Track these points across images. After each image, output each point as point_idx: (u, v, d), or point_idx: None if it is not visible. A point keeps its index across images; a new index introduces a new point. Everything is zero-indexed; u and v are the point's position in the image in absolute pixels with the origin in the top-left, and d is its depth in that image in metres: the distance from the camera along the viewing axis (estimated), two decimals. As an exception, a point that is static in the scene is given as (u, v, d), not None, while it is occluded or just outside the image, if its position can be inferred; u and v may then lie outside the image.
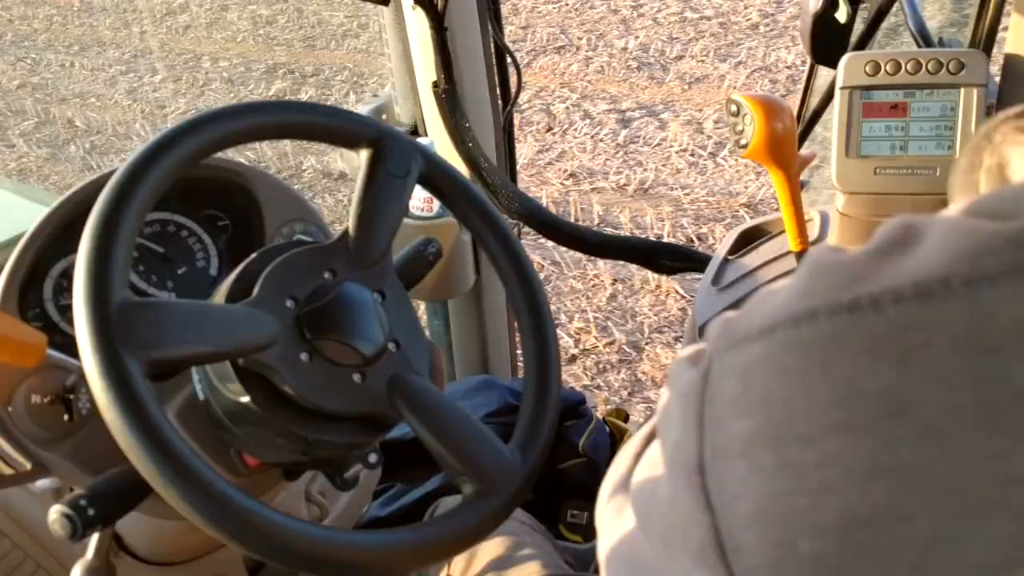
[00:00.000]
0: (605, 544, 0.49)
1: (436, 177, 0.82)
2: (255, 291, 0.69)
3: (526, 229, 1.54)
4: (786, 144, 1.11)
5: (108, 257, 0.60)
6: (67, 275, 0.87)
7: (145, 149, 0.66)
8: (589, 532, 1.55)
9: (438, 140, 1.49)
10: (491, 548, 0.95)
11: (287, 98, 3.86)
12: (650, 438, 0.53)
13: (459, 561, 0.96)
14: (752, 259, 1.34)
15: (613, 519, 0.49)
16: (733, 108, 1.12)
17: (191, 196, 0.95)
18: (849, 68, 1.20)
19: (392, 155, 0.77)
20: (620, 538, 0.46)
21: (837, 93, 1.23)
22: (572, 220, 2.91)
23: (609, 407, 2.19)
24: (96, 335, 0.58)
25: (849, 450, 0.29)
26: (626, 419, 1.75)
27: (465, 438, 0.70)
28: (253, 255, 0.74)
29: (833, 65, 1.46)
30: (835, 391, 0.30)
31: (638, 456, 0.50)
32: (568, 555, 1.05)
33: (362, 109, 1.71)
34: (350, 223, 0.75)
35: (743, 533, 0.32)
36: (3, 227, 1.28)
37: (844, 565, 0.29)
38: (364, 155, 0.77)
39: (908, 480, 0.28)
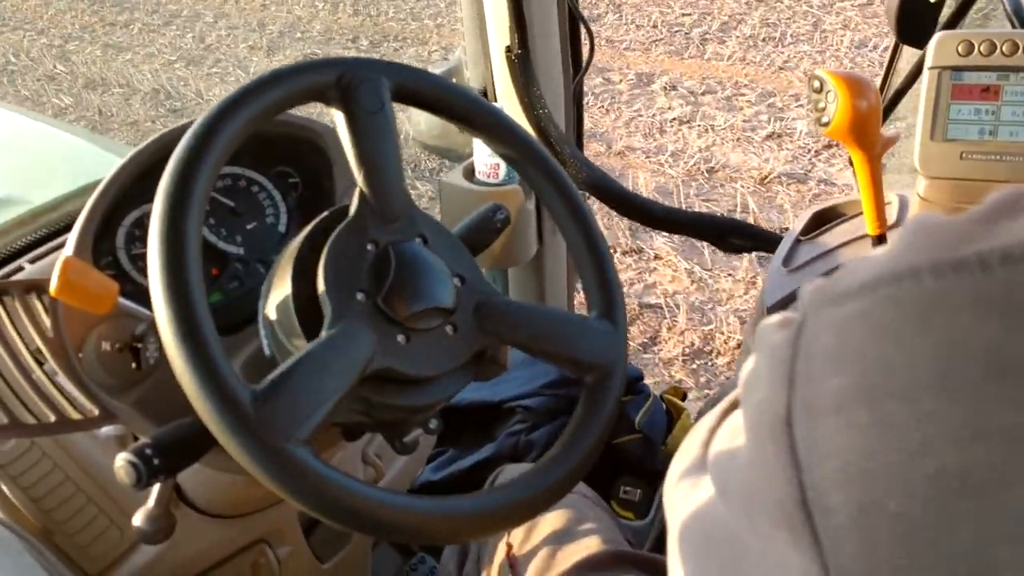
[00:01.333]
0: (676, 523, 0.47)
1: (414, 89, 0.75)
2: (328, 307, 0.67)
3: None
4: (869, 124, 1.07)
5: (213, 359, 0.59)
6: (140, 224, 0.88)
7: (220, 105, 0.66)
8: (641, 509, 1.54)
9: (508, 105, 1.47)
10: (551, 520, 0.94)
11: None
12: (726, 413, 0.51)
13: (519, 532, 0.95)
14: (826, 240, 1.30)
15: (684, 498, 0.48)
16: (816, 84, 1.08)
17: (264, 152, 0.95)
18: (940, 47, 1.15)
19: (361, 90, 0.71)
20: (692, 514, 0.45)
21: (926, 73, 1.18)
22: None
23: (667, 385, 2.17)
24: (252, 445, 0.58)
25: (948, 409, 0.28)
26: (684, 397, 1.73)
27: (562, 334, 0.74)
28: (313, 223, 0.73)
29: (919, 45, 1.41)
30: (936, 349, 0.29)
31: (713, 431, 0.49)
32: (624, 532, 1.04)
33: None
34: (360, 183, 0.72)
35: (831, 491, 0.31)
36: (77, 175, 1.31)
37: (935, 527, 0.28)
38: (336, 105, 0.72)
39: (1009, 443, 0.27)
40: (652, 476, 1.57)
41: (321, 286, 0.68)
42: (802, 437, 0.32)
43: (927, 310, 0.30)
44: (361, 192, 0.72)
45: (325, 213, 0.74)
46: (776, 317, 0.39)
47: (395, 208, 0.73)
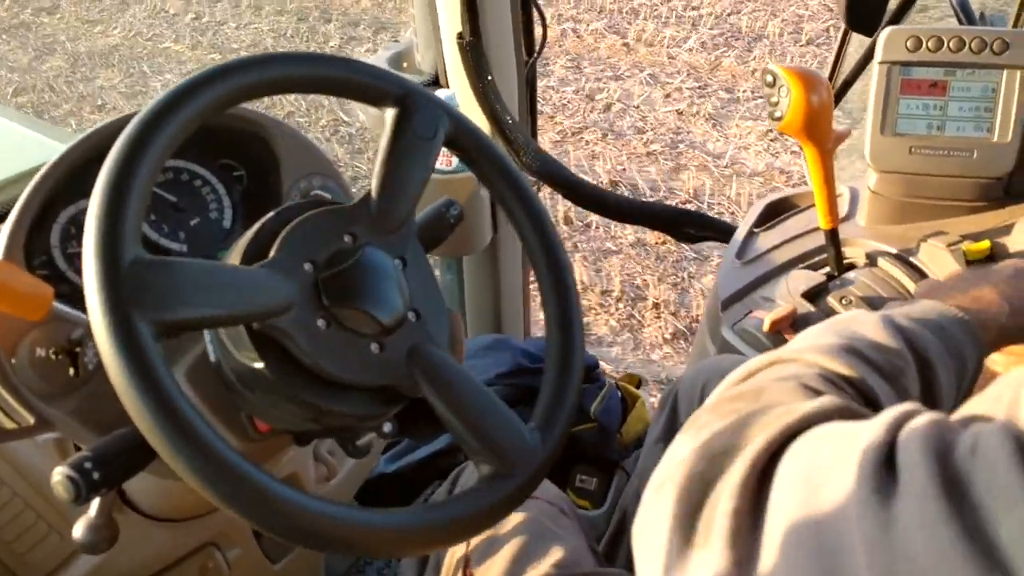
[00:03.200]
0: None
1: (463, 139, 0.78)
2: (272, 252, 0.66)
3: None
4: (822, 118, 1.07)
5: (121, 211, 0.58)
6: (76, 222, 0.85)
7: (166, 96, 0.63)
8: (597, 498, 1.54)
9: (460, 93, 1.45)
10: (510, 535, 0.93)
11: (314, 51, 3.81)
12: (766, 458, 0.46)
13: (478, 542, 0.94)
14: (778, 233, 1.31)
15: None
16: (769, 79, 1.08)
17: (207, 145, 0.92)
18: (889, 42, 1.16)
19: (419, 115, 0.73)
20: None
21: (876, 67, 1.19)
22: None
23: (622, 372, 2.18)
24: (105, 293, 0.55)
25: None
26: (639, 385, 1.74)
27: (484, 416, 0.67)
28: (271, 213, 0.71)
29: (867, 33, 1.41)
30: None
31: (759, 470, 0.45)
32: (585, 527, 1.03)
33: (381, 55, 1.67)
34: (373, 185, 0.72)
35: None
36: (14, 162, 1.26)
37: None
38: (390, 114, 0.73)
39: None
40: (608, 464, 1.58)
41: (277, 240, 0.67)
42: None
43: None
44: (368, 192, 0.72)
45: (271, 214, 0.72)
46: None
47: (394, 224, 0.72)
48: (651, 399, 2.10)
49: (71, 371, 0.77)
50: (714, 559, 0.41)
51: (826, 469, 0.39)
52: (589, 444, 1.57)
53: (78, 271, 0.84)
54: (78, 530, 0.74)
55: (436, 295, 0.75)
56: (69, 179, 0.83)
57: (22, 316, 0.69)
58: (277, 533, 0.58)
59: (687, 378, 1.13)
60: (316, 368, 0.65)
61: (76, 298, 0.75)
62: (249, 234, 0.70)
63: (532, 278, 1.93)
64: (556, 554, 0.89)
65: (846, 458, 0.38)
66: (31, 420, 0.76)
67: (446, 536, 0.65)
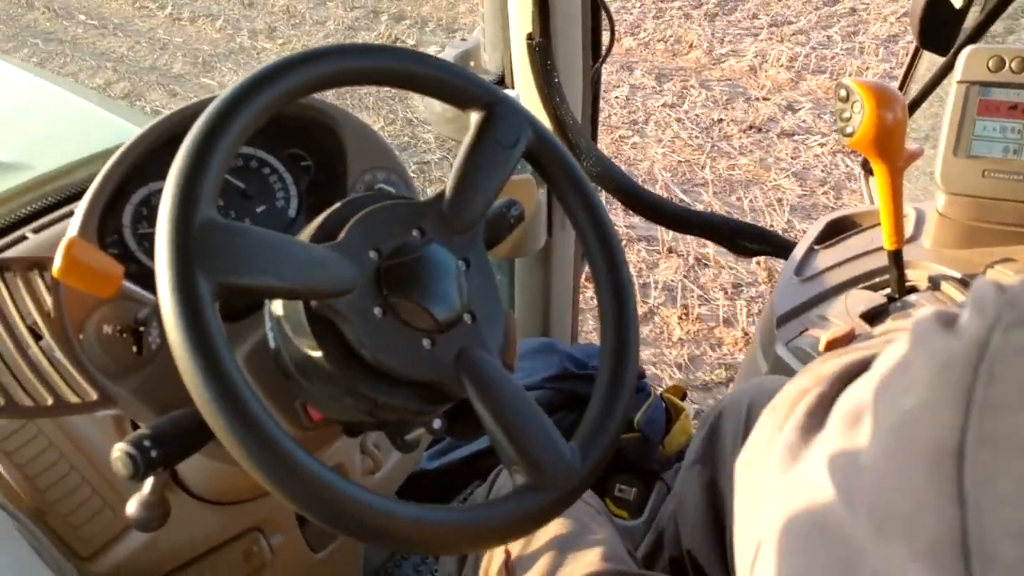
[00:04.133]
0: (770, 508, 0.43)
1: (543, 153, 0.78)
2: (341, 235, 0.67)
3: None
4: (895, 136, 1.05)
5: (200, 175, 0.59)
6: (147, 203, 0.86)
7: (251, 78, 0.64)
8: (635, 508, 1.53)
9: (525, 93, 1.45)
10: (552, 529, 0.92)
11: (407, 46, 3.84)
12: (844, 380, 0.45)
13: (517, 542, 0.93)
14: (839, 251, 1.28)
15: (778, 484, 0.43)
16: (843, 93, 1.06)
17: (277, 133, 0.93)
18: (970, 61, 1.13)
19: (503, 123, 0.73)
20: (796, 503, 0.40)
21: (953, 87, 1.16)
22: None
23: (667, 384, 2.16)
24: (173, 248, 0.56)
25: None
26: (683, 396, 1.72)
27: (525, 427, 0.67)
28: (338, 204, 0.71)
29: (941, 52, 1.39)
30: None
31: (825, 397, 0.44)
32: (623, 534, 1.02)
33: (449, 52, 1.67)
34: (449, 184, 0.72)
35: (1003, 542, 0.27)
36: (87, 142, 1.29)
37: None
38: (475, 118, 0.74)
39: None
40: (648, 475, 1.56)
41: (347, 226, 0.67)
42: (974, 474, 0.29)
43: None
44: (443, 191, 0.72)
45: (338, 204, 0.72)
46: (931, 311, 0.34)
47: (463, 225, 0.72)
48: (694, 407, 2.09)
49: (135, 349, 0.78)
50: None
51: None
52: (630, 454, 1.56)
53: (147, 252, 0.85)
54: (131, 507, 0.75)
55: (495, 300, 0.75)
56: (144, 161, 0.84)
57: (93, 293, 0.70)
58: (322, 519, 0.58)
59: (733, 397, 1.10)
60: (366, 354, 0.66)
61: (144, 278, 0.76)
62: (321, 218, 0.70)
63: (583, 283, 1.92)
64: (597, 550, 0.88)
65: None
66: (94, 396, 0.77)
67: (478, 539, 0.65)
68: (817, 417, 0.43)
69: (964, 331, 0.31)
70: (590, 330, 2.37)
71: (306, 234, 0.70)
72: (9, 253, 0.97)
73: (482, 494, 1.10)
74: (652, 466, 1.57)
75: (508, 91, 1.46)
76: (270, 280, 0.59)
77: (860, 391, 0.38)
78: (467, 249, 0.73)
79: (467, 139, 0.73)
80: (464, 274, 0.72)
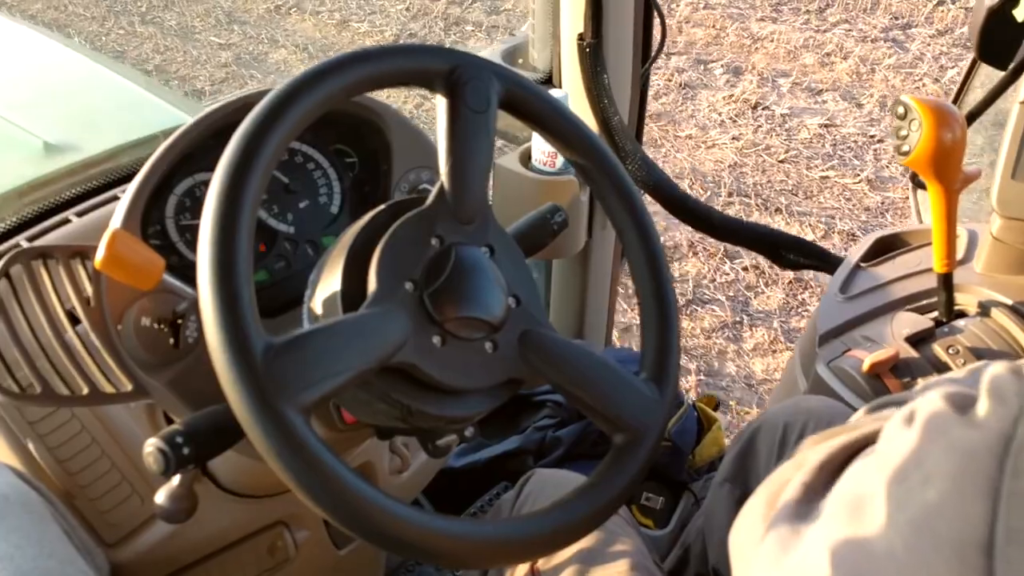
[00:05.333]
0: None
1: (519, 100, 0.74)
2: (372, 284, 0.65)
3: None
4: (952, 157, 1.02)
5: (238, 302, 0.57)
6: (191, 194, 0.86)
7: (287, 86, 0.63)
8: (662, 518, 1.51)
9: (572, 93, 1.43)
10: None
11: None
12: (829, 470, 0.46)
13: None
14: (887, 270, 1.26)
15: (778, 555, 0.43)
16: (900, 111, 1.03)
17: (324, 129, 0.92)
18: (1035, 82, 1.10)
19: (469, 87, 0.70)
20: None
21: (1015, 108, 1.13)
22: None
23: (701, 393, 2.14)
24: (251, 396, 0.55)
25: None
26: (716, 407, 1.70)
27: (604, 385, 0.70)
28: (375, 211, 0.70)
29: (1000, 66, 1.35)
30: None
31: (810, 487, 0.45)
32: (648, 544, 1.01)
33: (496, 48, 1.66)
34: (443, 177, 0.70)
35: None
36: (132, 126, 1.29)
37: None
38: (441, 97, 0.70)
39: None
40: (676, 485, 1.54)
41: (373, 267, 0.66)
42: (1005, 569, 0.28)
43: None
44: (441, 186, 0.70)
45: (382, 207, 0.71)
46: (940, 394, 0.34)
47: (471, 211, 0.70)
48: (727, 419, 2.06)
49: (171, 342, 0.77)
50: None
51: None
52: (660, 462, 1.54)
53: (189, 243, 0.85)
54: (160, 498, 0.74)
55: (528, 276, 0.74)
56: (191, 151, 0.83)
57: (133, 285, 0.70)
58: (314, 500, 0.57)
59: (769, 416, 1.08)
60: (443, 385, 0.66)
61: (185, 270, 0.76)
62: (356, 227, 0.69)
63: (621, 288, 1.90)
64: (624, 561, 0.87)
65: None
66: (129, 387, 0.77)
67: (585, 526, 0.68)
68: (805, 507, 0.43)
69: (985, 422, 0.30)
70: (624, 333, 2.36)
71: (342, 246, 0.68)
72: (52, 236, 0.97)
73: (509, 500, 1.09)
74: (681, 476, 1.55)
75: (555, 90, 1.44)
76: (337, 380, 0.59)
77: (860, 479, 0.38)
78: (485, 234, 0.72)
79: (441, 120, 0.70)
80: (493, 260, 0.71)
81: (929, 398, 0.35)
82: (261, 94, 0.74)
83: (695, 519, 1.22)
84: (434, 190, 0.70)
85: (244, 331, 0.56)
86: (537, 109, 0.75)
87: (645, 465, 0.70)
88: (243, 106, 0.64)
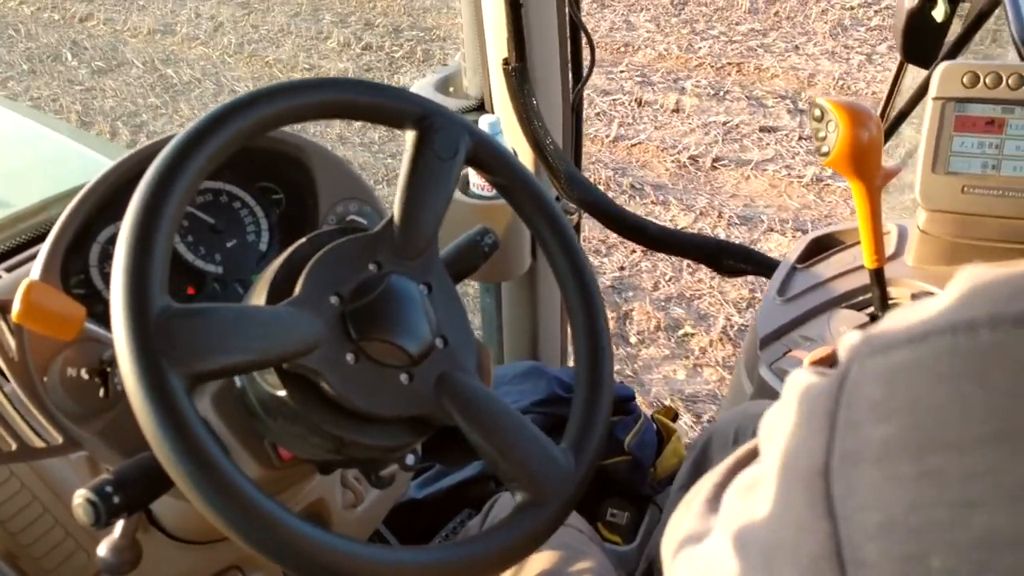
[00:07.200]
0: None
1: (485, 157, 0.77)
2: (298, 288, 0.65)
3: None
4: (870, 155, 1.04)
5: (146, 262, 0.57)
6: (114, 242, 0.85)
7: (180, 143, 0.63)
8: (628, 533, 1.51)
9: (505, 118, 1.45)
10: (542, 558, 0.91)
11: (331, 76, 3.84)
12: (736, 469, 0.50)
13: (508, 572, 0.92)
14: (822, 270, 1.28)
15: (689, 561, 0.46)
16: (817, 113, 1.06)
17: (246, 167, 0.92)
18: (945, 77, 1.13)
19: (439, 135, 0.72)
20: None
21: (929, 103, 1.16)
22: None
23: (658, 406, 2.15)
24: (136, 349, 0.55)
25: (1002, 465, 0.28)
26: (675, 418, 1.71)
27: (517, 442, 0.67)
28: (302, 240, 0.71)
29: (924, 65, 1.38)
30: (992, 401, 0.28)
31: (721, 486, 0.48)
32: (609, 557, 1.01)
33: (430, 78, 1.67)
34: (395, 210, 0.71)
35: (868, 545, 0.30)
36: (61, 177, 1.28)
37: None
38: (409, 136, 0.73)
39: None
40: (640, 499, 1.55)
41: (303, 275, 0.66)
42: (840, 487, 0.31)
43: (985, 363, 0.29)
44: (391, 218, 0.71)
45: (303, 240, 0.71)
46: (808, 368, 0.38)
47: (416, 248, 0.71)
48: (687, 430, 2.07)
49: (101, 392, 0.77)
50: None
51: None
52: (622, 477, 1.54)
53: None
54: (102, 549, 0.74)
55: (463, 320, 0.74)
56: (110, 198, 0.83)
57: (55, 336, 0.70)
58: (298, 571, 0.57)
59: (721, 423, 1.10)
60: (347, 404, 0.65)
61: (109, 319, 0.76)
62: (278, 262, 0.69)
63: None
64: (587, 574, 0.87)
65: None
66: (60, 439, 0.76)
67: (484, 569, 0.65)
68: (713, 503, 0.46)
69: (826, 373, 0.35)
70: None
71: (265, 279, 0.68)
72: (-21, 293, 0.96)
73: (476, 526, 1.08)
74: (644, 490, 1.56)
75: (487, 116, 1.46)
76: (237, 358, 0.58)
77: (752, 468, 0.42)
78: (426, 272, 0.72)
79: (405, 159, 0.72)
80: (428, 298, 0.71)
81: (799, 371, 0.39)
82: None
83: (656, 531, 1.23)
84: (384, 219, 0.71)
85: (143, 289, 0.56)
86: (500, 169, 0.78)
87: (544, 529, 0.67)
88: (152, 154, 0.64)
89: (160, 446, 0.55)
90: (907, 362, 0.31)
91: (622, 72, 4.29)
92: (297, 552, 0.56)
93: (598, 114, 3.92)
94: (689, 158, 3.47)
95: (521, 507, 0.67)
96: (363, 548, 0.59)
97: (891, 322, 0.34)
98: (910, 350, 0.31)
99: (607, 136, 3.72)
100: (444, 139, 0.72)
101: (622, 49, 4.54)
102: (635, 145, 3.65)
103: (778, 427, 0.36)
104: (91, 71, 4.87)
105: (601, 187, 3.00)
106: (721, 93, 3.99)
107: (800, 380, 0.36)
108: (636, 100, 4.01)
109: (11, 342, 0.75)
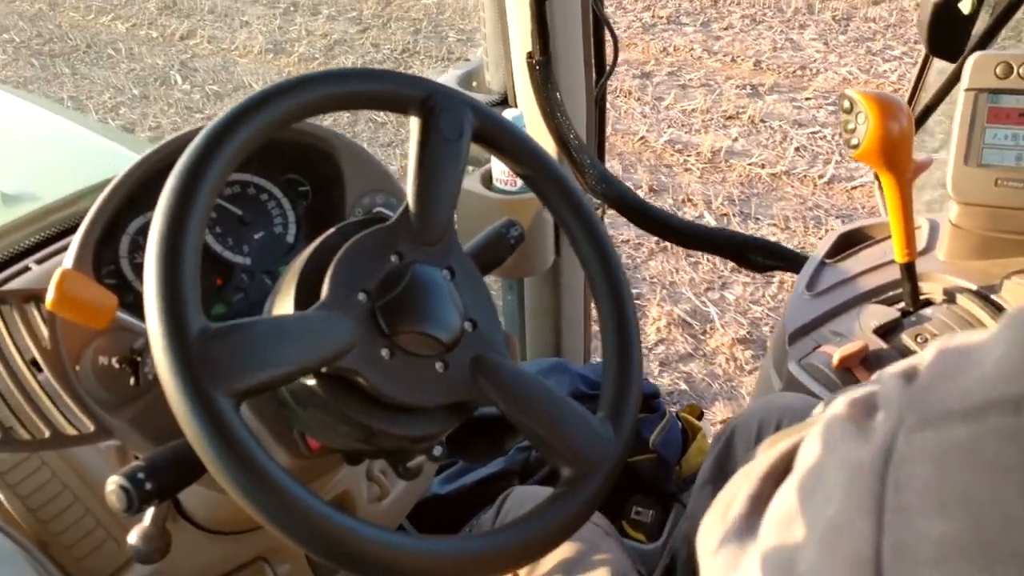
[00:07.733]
0: None
1: (492, 133, 0.76)
2: (324, 290, 0.65)
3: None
4: (901, 147, 1.03)
5: (179, 281, 0.57)
6: (144, 232, 0.86)
7: (198, 148, 0.63)
8: (652, 531, 1.50)
9: (528, 112, 1.44)
10: (560, 550, 0.91)
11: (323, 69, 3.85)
12: (774, 478, 0.47)
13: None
14: (851, 265, 1.26)
15: (727, 572, 0.44)
16: (847, 104, 1.04)
17: (274, 159, 0.92)
18: (977, 68, 1.11)
19: (443, 116, 0.71)
20: None
21: (961, 95, 1.14)
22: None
23: (683, 403, 2.14)
24: (180, 376, 0.55)
25: None
26: (700, 416, 1.70)
27: (557, 416, 0.68)
28: (331, 230, 0.70)
29: (951, 59, 1.37)
30: None
31: (756, 499, 0.46)
32: (632, 555, 1.00)
33: (452, 73, 1.67)
34: (409, 198, 0.71)
35: None
36: (90, 171, 1.29)
37: None
38: (414, 121, 0.72)
39: None
40: (665, 497, 1.54)
41: (328, 275, 0.66)
42: None
43: None
44: (406, 206, 0.70)
45: (332, 229, 0.71)
46: (843, 405, 0.34)
47: (435, 234, 0.71)
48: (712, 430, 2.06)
49: (131, 380, 0.77)
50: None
51: None
52: (647, 475, 1.54)
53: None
54: (133, 537, 0.74)
55: (488, 301, 0.74)
56: (138, 191, 0.84)
57: (87, 324, 0.70)
58: (329, 558, 0.57)
59: (745, 416, 1.08)
60: (389, 399, 0.65)
61: (141, 307, 0.76)
62: (306, 253, 0.69)
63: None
64: (603, 570, 0.87)
65: None
66: (91, 427, 0.76)
67: (534, 550, 0.66)
68: (751, 520, 0.43)
69: (872, 434, 0.31)
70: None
71: (294, 270, 0.68)
72: (11, 285, 0.97)
73: (488, 520, 1.08)
74: (669, 487, 1.55)
75: (511, 110, 1.45)
76: (277, 371, 0.58)
77: (787, 494, 0.38)
78: (447, 257, 0.72)
79: (412, 144, 0.71)
80: (452, 283, 0.71)
81: (834, 405, 0.35)
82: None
83: (680, 525, 1.22)
84: (400, 208, 0.70)
85: (180, 312, 0.56)
86: (508, 144, 0.77)
87: (591, 501, 0.68)
88: (181, 146, 0.64)
89: (218, 469, 0.55)
90: (963, 443, 0.27)
91: (808, 100, 3.86)
92: (344, 543, 0.56)
93: (798, 149, 3.44)
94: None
95: (568, 481, 0.67)
96: (423, 542, 0.60)
97: (943, 382, 0.30)
98: (965, 427, 0.27)
99: (819, 177, 3.26)
100: (448, 120, 0.71)
101: (798, 72, 4.13)
102: (855, 188, 3.19)
103: (813, 477, 0.33)
104: (205, 95, 4.54)
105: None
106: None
107: (837, 432, 0.33)
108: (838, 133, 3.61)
109: (44, 331, 0.76)
